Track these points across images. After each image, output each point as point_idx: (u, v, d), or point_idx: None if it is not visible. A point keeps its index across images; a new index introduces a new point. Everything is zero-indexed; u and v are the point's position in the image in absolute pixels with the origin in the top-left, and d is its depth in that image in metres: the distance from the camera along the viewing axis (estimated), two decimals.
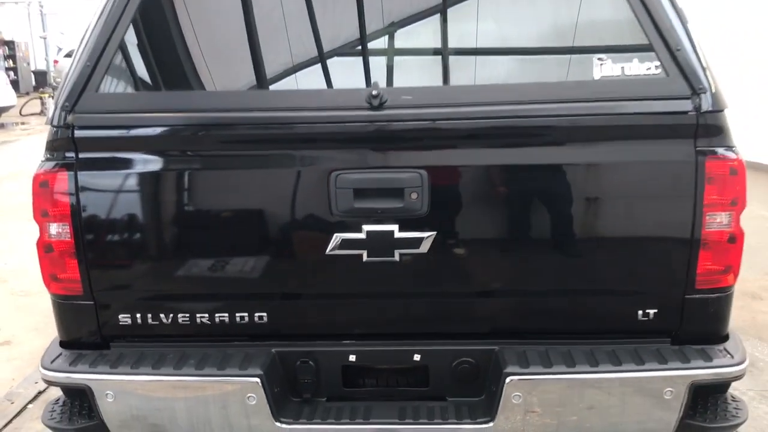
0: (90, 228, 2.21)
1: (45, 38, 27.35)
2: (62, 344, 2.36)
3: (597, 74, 2.08)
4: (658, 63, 2.05)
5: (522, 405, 2.13)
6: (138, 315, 2.29)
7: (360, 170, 2.13)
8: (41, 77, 25.81)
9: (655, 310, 2.19)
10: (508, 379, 2.11)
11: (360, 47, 2.32)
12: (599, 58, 2.07)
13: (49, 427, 2.32)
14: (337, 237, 2.14)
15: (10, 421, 3.55)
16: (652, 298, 2.20)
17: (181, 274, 2.26)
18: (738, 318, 4.01)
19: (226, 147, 2.19)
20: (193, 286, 2.28)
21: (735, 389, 2.38)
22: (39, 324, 4.49)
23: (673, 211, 2.13)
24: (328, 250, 2.15)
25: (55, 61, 25.67)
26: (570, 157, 2.13)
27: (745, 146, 2.25)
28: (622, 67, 2.06)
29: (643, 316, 2.20)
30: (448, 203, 2.16)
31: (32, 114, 18.77)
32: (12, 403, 3.72)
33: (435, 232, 2.12)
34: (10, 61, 25.14)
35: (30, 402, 3.69)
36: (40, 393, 3.75)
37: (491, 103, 2.07)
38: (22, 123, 17.64)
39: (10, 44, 25.61)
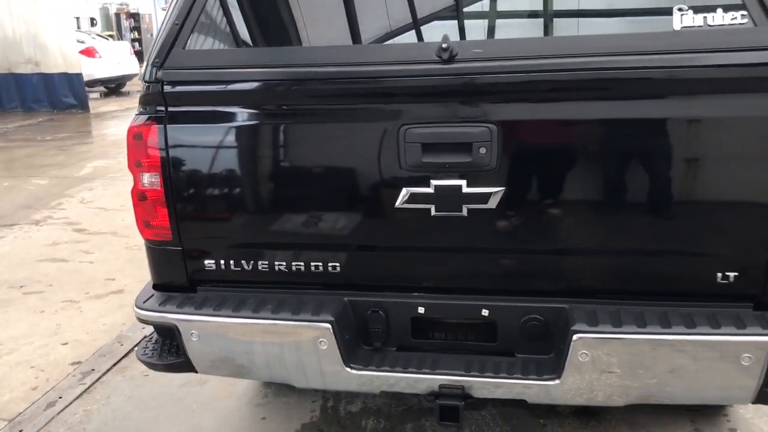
0: (178, 179, 2.36)
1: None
2: (155, 287, 2.55)
3: (677, 25, 1.98)
4: (744, 12, 1.93)
5: (589, 363, 2.10)
6: (222, 262, 2.43)
7: (428, 124, 2.14)
8: None
9: (736, 273, 2.09)
10: (575, 337, 2.09)
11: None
12: (680, 8, 1.97)
13: (142, 361, 2.53)
14: (407, 191, 2.17)
15: (119, 361, 3.88)
16: (733, 259, 2.10)
17: (261, 225, 2.38)
18: None
19: (299, 102, 2.27)
20: (272, 236, 2.38)
21: None
22: (149, 276, 4.82)
23: (761, 167, 2.01)
24: (397, 204, 2.19)
25: None
26: (647, 111, 2.05)
27: None
28: (704, 17, 1.96)
29: (722, 279, 2.10)
30: (518, 158, 2.14)
31: None
32: (121, 345, 4.06)
33: (503, 188, 2.12)
34: (136, 33, 26.57)
35: (137, 345, 3.99)
36: (145, 337, 4.04)
37: (562, 56, 2.02)
38: None
39: (135, 16, 27.07)
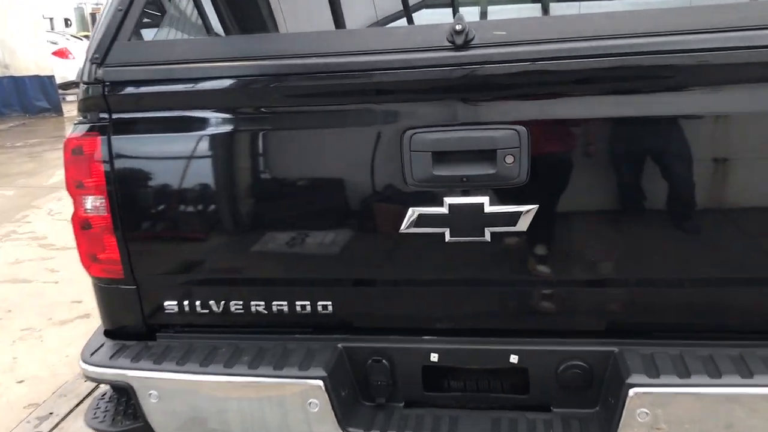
0: (129, 202, 1.90)
1: None
2: (107, 333, 2.09)
3: None
4: None
5: (649, 424, 1.67)
6: (186, 302, 1.98)
7: (440, 128, 1.69)
8: None
9: None
10: (631, 392, 1.66)
11: None
12: None
13: (91, 428, 2.06)
14: (413, 212, 1.73)
15: (81, 401, 3.41)
16: None
17: (234, 256, 1.93)
18: None
19: (277, 103, 1.80)
20: (248, 269, 1.94)
21: None
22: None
23: None
24: (402, 228, 1.74)
25: None
26: (720, 105, 1.61)
27: None
28: None
29: None
30: (554, 168, 1.70)
31: None
32: (85, 380, 3.56)
33: (536, 206, 1.68)
34: None
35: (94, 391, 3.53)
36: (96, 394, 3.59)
37: (612, 36, 1.57)
38: None
39: None
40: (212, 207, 1.91)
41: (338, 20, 2.21)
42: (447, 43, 1.63)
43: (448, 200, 1.71)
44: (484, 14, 2.34)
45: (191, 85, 1.83)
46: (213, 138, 1.85)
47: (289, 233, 1.87)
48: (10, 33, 14.78)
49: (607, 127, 1.66)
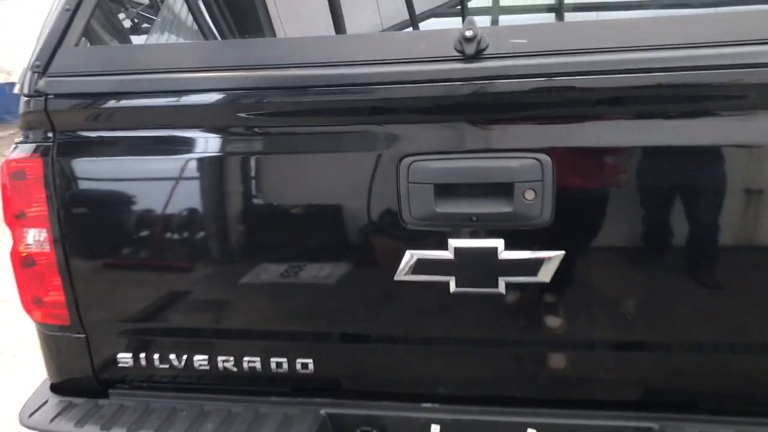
0: (77, 235, 1.61)
1: None
2: (52, 387, 1.79)
3: None
4: None
5: None
6: (143, 355, 1.68)
7: (445, 155, 1.39)
8: None
9: None
10: None
11: None
12: None
13: None
14: (411, 256, 1.42)
15: None
16: None
17: (199, 300, 1.63)
18: None
19: (250, 123, 1.50)
20: (215, 317, 1.64)
21: None
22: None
23: None
24: (398, 275, 1.44)
25: None
26: None
27: None
28: None
29: None
30: (585, 207, 1.39)
31: None
32: None
33: (562, 252, 1.37)
34: None
35: None
36: None
37: (658, 47, 1.27)
38: None
39: None
40: (174, 244, 1.60)
41: (339, 30, 1.93)
42: (455, 53, 1.34)
43: (454, 243, 1.40)
44: (496, 23, 2.05)
45: (150, 100, 1.53)
46: (175, 162, 1.55)
47: (264, 277, 1.56)
48: (13, 39, 14.62)
49: (654, 157, 1.35)
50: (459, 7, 2.03)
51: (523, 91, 1.33)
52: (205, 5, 2.03)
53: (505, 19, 2.11)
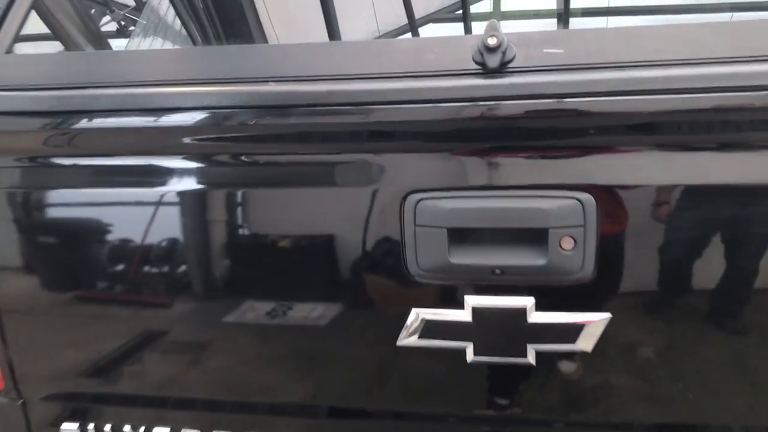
0: (7, 282, 1.33)
1: None
2: None
3: None
4: None
5: None
6: (92, 425, 1.40)
7: (460, 192, 1.12)
8: None
9: None
10: None
11: None
12: None
13: None
14: (417, 315, 1.15)
15: None
16: None
17: (158, 363, 1.34)
18: None
19: (213, 148, 1.22)
20: (178, 384, 1.36)
21: None
22: None
23: None
24: (402, 340, 1.16)
25: None
26: None
27: None
28: None
29: None
30: (637, 258, 1.12)
31: None
32: None
33: (608, 315, 1.10)
34: None
35: None
36: None
37: (748, 60, 1.00)
38: None
39: None
40: (129, 295, 1.32)
41: (333, 36, 1.65)
42: (473, 66, 1.07)
43: (472, 301, 1.13)
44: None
45: (93, 121, 1.24)
46: (119, 197, 1.27)
47: (237, 336, 1.28)
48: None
49: (736, 198, 1.08)
50: (460, 11, 1.74)
51: (560, 115, 1.06)
52: (191, 8, 1.77)
53: (505, 24, 1.83)
